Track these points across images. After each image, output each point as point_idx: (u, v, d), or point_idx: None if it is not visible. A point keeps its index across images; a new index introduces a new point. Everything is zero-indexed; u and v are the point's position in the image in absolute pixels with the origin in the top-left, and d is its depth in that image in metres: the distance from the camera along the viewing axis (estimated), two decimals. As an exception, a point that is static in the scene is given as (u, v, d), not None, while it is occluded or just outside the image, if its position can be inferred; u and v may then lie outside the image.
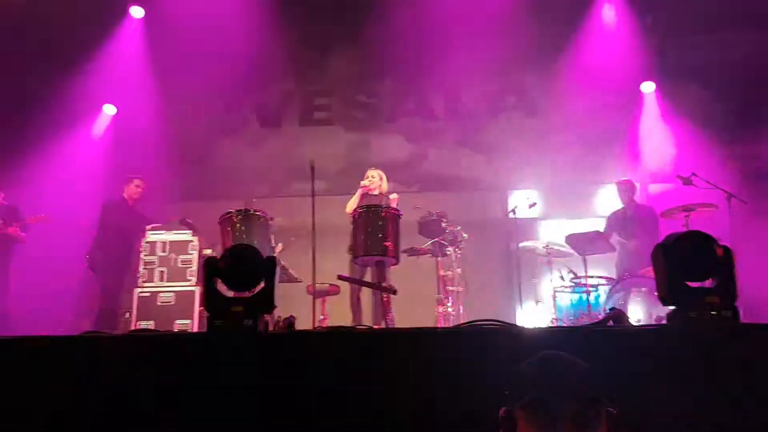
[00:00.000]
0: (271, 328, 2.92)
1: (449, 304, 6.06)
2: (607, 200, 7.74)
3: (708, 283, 2.65)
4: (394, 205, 5.81)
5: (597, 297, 6.18)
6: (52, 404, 2.47)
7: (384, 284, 5.11)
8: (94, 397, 2.46)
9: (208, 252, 6.30)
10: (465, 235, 6.37)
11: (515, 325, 2.72)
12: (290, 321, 2.94)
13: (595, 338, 2.52)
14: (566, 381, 1.48)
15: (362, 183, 6.24)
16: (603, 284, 6.29)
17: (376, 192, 6.27)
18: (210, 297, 2.81)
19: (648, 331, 2.57)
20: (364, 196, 6.19)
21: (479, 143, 8.46)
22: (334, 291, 6.34)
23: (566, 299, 6.33)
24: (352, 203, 6.14)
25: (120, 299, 6.57)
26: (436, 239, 6.15)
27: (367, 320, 5.81)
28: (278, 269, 2.87)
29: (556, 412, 1.48)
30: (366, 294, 5.90)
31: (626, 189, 6.94)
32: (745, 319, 2.62)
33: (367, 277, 5.71)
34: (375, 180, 6.29)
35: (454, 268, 6.16)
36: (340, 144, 8.51)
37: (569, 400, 1.47)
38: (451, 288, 6.13)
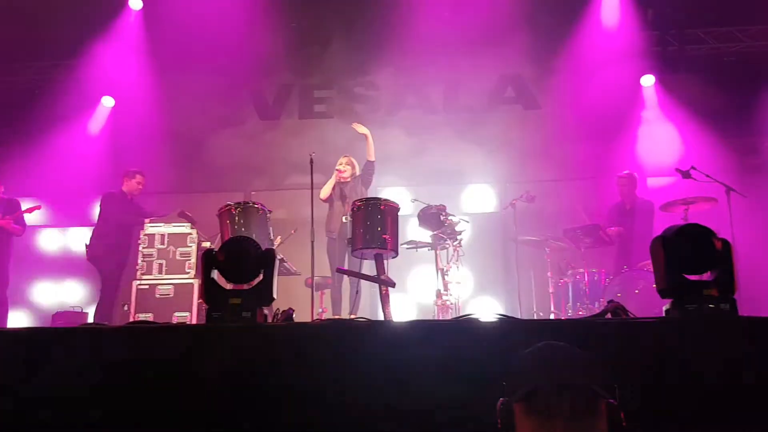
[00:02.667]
0: (269, 320, 2.92)
1: (448, 297, 6.06)
2: (607, 193, 7.73)
3: (707, 276, 2.65)
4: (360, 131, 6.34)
5: (595, 289, 6.19)
6: (52, 395, 2.47)
7: (382, 277, 5.11)
8: (94, 388, 2.46)
9: (206, 244, 6.30)
10: (464, 228, 6.36)
11: (514, 317, 2.72)
12: (289, 313, 2.93)
13: (594, 331, 2.52)
14: (564, 372, 1.48)
15: (338, 167, 6.34)
16: (602, 277, 6.30)
17: (348, 178, 6.36)
18: (208, 289, 2.81)
19: (646, 324, 2.57)
20: (337, 183, 6.31)
21: (479, 136, 8.44)
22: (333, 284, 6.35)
23: (565, 292, 6.34)
24: (326, 190, 6.28)
25: (119, 291, 6.58)
26: (436, 232, 6.15)
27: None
28: (277, 262, 2.87)
29: (553, 403, 1.48)
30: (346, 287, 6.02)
31: (627, 182, 6.93)
32: (744, 312, 2.62)
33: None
34: (348, 168, 6.39)
35: (452, 261, 6.17)
36: (339, 137, 8.49)
37: (567, 391, 1.47)
38: (449, 280, 6.13)
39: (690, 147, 7.58)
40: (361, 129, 6.47)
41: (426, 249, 6.39)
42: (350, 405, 2.39)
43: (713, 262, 2.62)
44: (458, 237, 6.22)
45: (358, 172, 6.43)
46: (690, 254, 2.59)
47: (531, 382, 1.49)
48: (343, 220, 5.99)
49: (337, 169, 6.34)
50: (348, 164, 6.41)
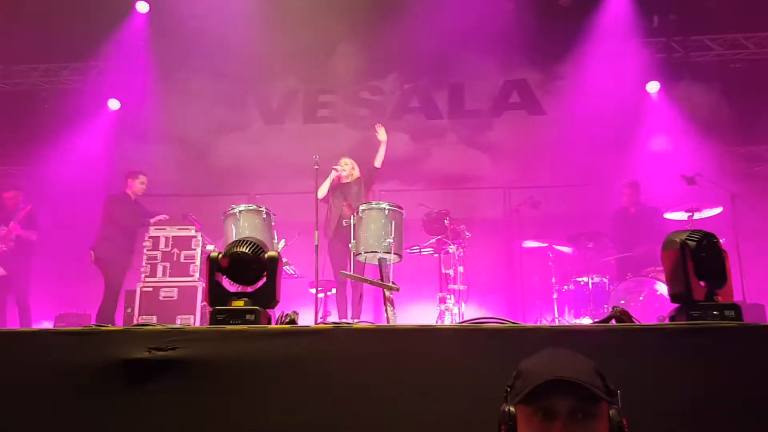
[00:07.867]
0: (273, 323, 2.92)
1: (451, 302, 6.05)
2: (611, 199, 7.72)
3: (712, 283, 2.64)
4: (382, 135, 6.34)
5: (600, 296, 6.18)
6: (55, 396, 2.48)
7: (386, 281, 5.10)
8: (97, 388, 2.47)
9: (210, 248, 6.31)
10: (468, 233, 6.36)
11: (517, 323, 2.71)
12: (292, 317, 2.93)
13: (598, 336, 2.52)
14: (564, 376, 1.48)
15: (335, 167, 6.25)
16: (606, 283, 6.28)
17: (348, 180, 6.30)
18: (212, 292, 2.81)
19: (651, 330, 2.56)
20: (337, 184, 6.24)
21: (483, 141, 8.45)
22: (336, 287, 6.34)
23: (569, 298, 6.33)
24: (324, 189, 6.18)
25: (122, 293, 6.59)
26: (439, 237, 6.15)
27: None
28: (281, 265, 2.87)
29: (554, 407, 1.48)
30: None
31: (631, 189, 6.93)
32: (748, 319, 2.61)
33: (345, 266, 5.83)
34: (347, 167, 6.32)
35: (456, 266, 6.16)
36: (344, 141, 8.51)
37: (567, 395, 1.47)
38: (453, 286, 6.13)
39: (695, 153, 7.56)
40: (382, 135, 6.43)
41: (430, 253, 6.39)
42: (353, 409, 2.38)
43: (719, 268, 2.61)
44: (462, 242, 6.22)
45: (358, 175, 6.38)
46: (696, 261, 2.59)
47: (532, 387, 1.49)
48: (344, 223, 5.97)
49: (334, 168, 6.25)
50: (350, 165, 6.35)
